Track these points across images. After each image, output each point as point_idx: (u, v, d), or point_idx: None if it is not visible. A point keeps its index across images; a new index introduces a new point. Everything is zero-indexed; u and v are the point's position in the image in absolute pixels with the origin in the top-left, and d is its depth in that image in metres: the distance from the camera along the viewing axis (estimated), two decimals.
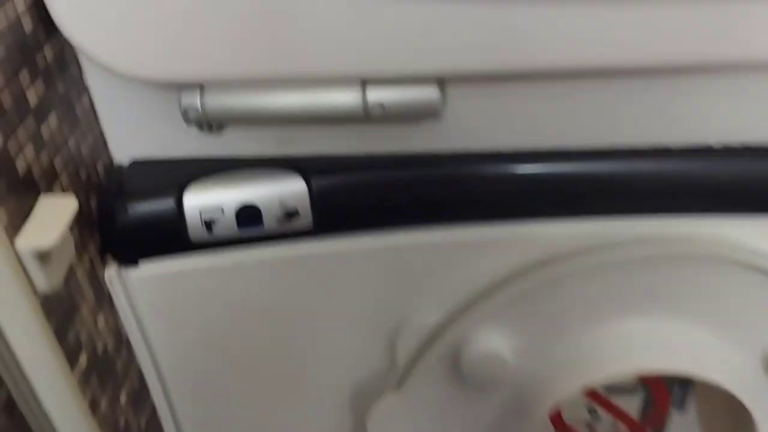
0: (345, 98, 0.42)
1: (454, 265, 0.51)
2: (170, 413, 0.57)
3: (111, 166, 0.49)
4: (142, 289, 0.49)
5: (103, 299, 0.47)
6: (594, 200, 0.49)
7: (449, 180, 0.48)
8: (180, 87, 0.43)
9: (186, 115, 0.43)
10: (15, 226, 0.36)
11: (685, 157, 0.48)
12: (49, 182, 0.40)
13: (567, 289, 0.50)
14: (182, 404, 0.57)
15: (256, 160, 0.48)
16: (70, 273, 0.42)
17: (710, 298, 0.51)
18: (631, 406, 0.68)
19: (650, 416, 0.68)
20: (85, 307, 0.44)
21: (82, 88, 0.45)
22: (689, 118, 0.46)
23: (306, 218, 0.47)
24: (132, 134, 0.47)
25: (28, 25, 0.38)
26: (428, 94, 0.42)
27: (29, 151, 0.37)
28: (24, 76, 0.37)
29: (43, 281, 0.37)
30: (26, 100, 0.37)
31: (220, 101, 0.43)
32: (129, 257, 0.47)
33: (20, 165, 0.36)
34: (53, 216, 0.38)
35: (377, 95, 0.42)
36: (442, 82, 0.43)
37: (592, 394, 0.67)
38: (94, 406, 0.44)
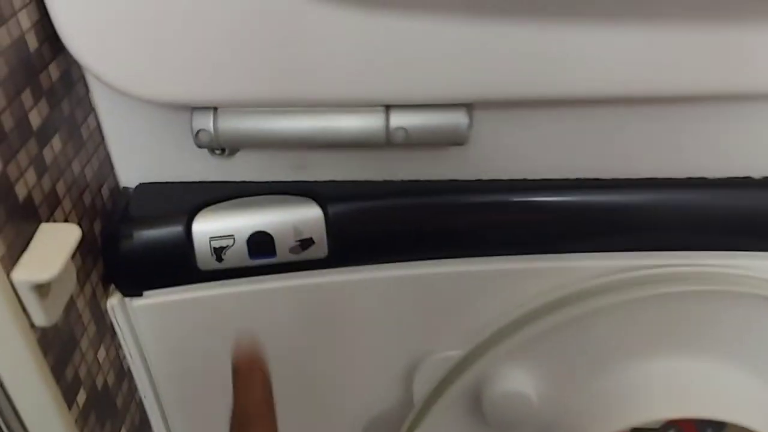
0: (366, 122, 0.40)
1: (477, 299, 0.48)
2: None
3: (117, 190, 0.47)
4: (146, 318, 0.47)
5: (105, 330, 0.45)
6: (624, 233, 0.46)
7: (473, 209, 0.45)
8: (192, 108, 0.41)
9: (198, 138, 0.41)
10: (12, 256, 0.33)
11: (720, 189, 0.45)
12: (51, 208, 0.37)
13: (595, 326, 0.47)
14: None
15: (269, 185, 0.46)
16: (71, 303, 0.40)
17: (741, 335, 0.48)
18: None
19: None
20: (85, 340, 0.42)
21: (89, 109, 0.43)
22: (730, 148, 0.44)
23: (321, 247, 0.45)
24: (140, 157, 0.45)
25: (32, 42, 0.36)
26: (456, 119, 0.40)
27: (30, 175, 0.35)
28: (27, 96, 0.35)
29: (40, 315, 0.34)
30: (28, 121, 0.35)
31: (234, 124, 0.41)
32: (133, 287, 0.45)
33: (20, 190, 0.34)
34: (54, 245, 0.35)
35: (401, 120, 0.40)
36: (469, 106, 0.40)
37: None
38: None
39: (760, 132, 0.44)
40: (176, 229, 0.43)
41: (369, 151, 0.45)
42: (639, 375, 0.49)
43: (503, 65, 0.37)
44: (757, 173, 0.45)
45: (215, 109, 0.40)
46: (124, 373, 0.48)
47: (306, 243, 0.44)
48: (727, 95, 0.40)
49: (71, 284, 0.38)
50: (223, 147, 0.44)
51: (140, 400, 0.51)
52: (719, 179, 0.45)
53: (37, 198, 0.36)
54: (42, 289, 0.34)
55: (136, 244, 0.43)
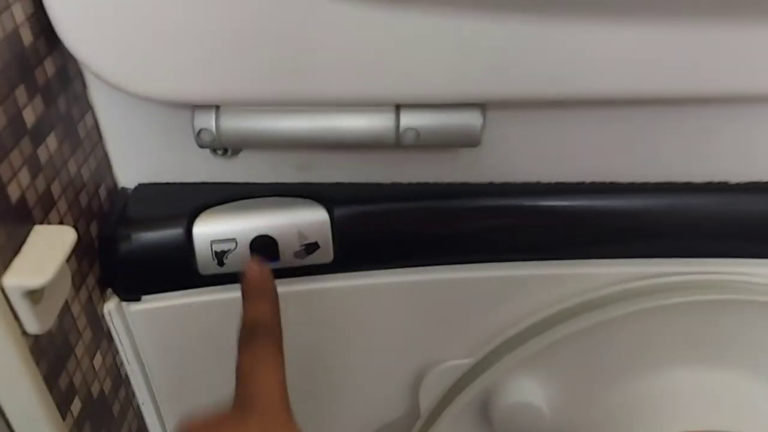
0: (375, 122, 0.38)
1: (488, 306, 0.47)
2: None
3: (115, 191, 0.45)
4: (144, 324, 0.45)
5: (101, 336, 0.43)
6: (643, 239, 0.45)
7: (484, 213, 0.44)
8: (193, 107, 0.39)
9: (199, 138, 0.40)
10: (4, 260, 0.32)
11: (743, 194, 0.44)
12: (46, 210, 0.36)
13: (610, 335, 0.46)
14: None
15: (273, 187, 0.44)
16: (65, 308, 0.38)
17: (764, 346, 0.47)
18: None
19: None
20: (80, 347, 0.40)
21: (86, 106, 0.41)
22: (756, 151, 0.42)
23: (327, 251, 0.43)
24: (139, 156, 0.44)
25: (27, 37, 0.34)
26: (469, 119, 0.38)
27: (24, 175, 0.34)
28: (21, 93, 0.33)
29: (33, 323, 0.33)
30: (22, 119, 0.34)
31: (237, 123, 0.39)
32: (131, 291, 0.44)
33: (13, 191, 0.33)
34: (48, 249, 0.34)
35: (412, 120, 0.38)
36: (483, 106, 0.39)
37: None
38: None
39: None
40: (176, 232, 0.42)
41: (377, 152, 0.43)
42: (657, 387, 0.47)
43: (520, 63, 0.35)
44: None
45: (218, 107, 0.39)
46: (121, 380, 0.47)
47: (311, 247, 0.43)
48: (754, 97, 0.39)
49: (66, 289, 0.37)
50: (225, 147, 0.43)
51: (138, 407, 0.50)
52: (743, 184, 0.44)
53: (31, 199, 0.34)
54: (35, 295, 0.33)
55: (134, 246, 0.42)
